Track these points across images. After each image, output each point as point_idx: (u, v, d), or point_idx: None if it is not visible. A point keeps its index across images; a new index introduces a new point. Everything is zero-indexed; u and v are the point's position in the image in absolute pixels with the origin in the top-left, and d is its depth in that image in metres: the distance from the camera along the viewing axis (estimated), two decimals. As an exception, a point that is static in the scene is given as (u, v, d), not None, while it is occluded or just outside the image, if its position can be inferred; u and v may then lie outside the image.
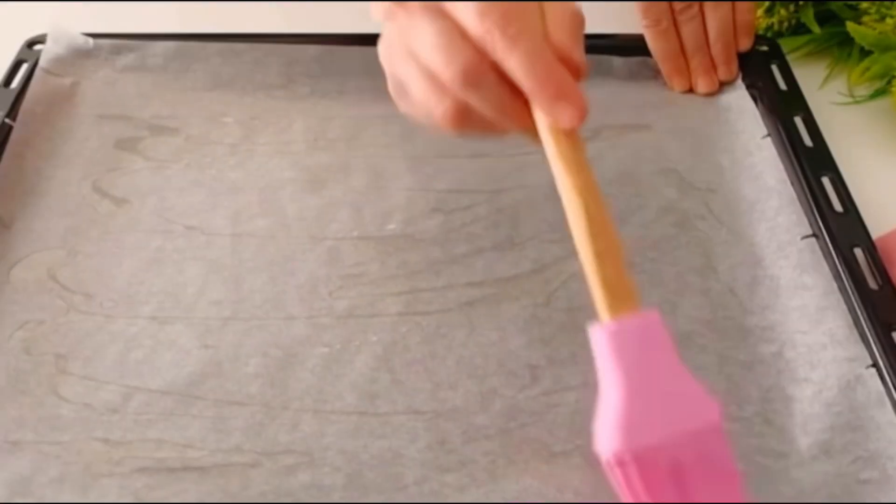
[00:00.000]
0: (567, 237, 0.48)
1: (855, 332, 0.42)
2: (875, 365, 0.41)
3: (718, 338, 0.43)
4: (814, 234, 0.47)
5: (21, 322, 0.44)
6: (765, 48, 0.58)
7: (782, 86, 0.56)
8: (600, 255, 0.35)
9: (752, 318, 0.44)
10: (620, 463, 0.33)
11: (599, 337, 0.35)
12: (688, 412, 0.33)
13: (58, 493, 0.38)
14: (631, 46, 0.58)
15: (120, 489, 0.38)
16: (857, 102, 0.56)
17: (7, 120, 0.53)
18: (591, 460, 0.38)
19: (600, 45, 0.59)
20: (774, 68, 0.57)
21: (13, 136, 0.53)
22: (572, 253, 0.47)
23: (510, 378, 0.42)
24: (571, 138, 0.36)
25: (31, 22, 0.60)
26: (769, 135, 0.52)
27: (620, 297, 0.35)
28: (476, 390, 0.41)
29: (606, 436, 0.34)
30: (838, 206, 0.48)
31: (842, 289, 0.44)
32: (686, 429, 0.33)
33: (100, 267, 0.47)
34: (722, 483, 0.34)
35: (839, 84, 0.58)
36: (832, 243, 0.46)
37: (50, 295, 0.46)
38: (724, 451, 0.34)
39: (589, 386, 0.41)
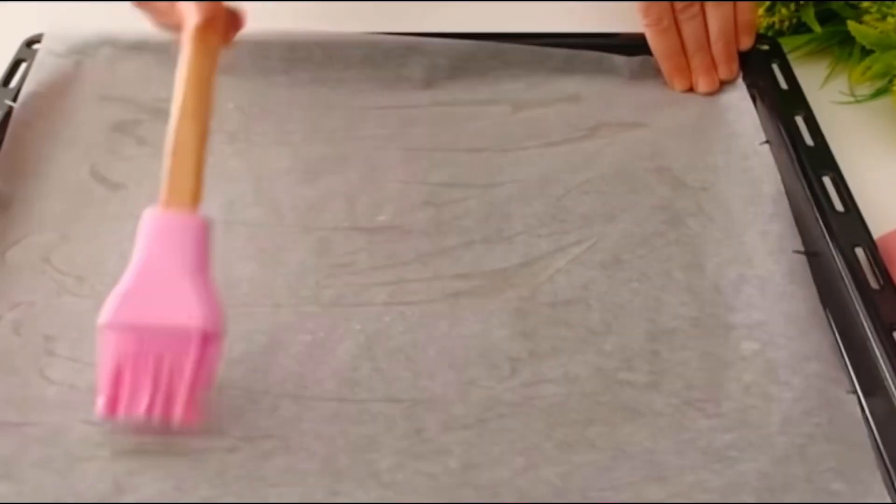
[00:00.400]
0: (556, 231, 0.48)
1: (839, 355, 0.42)
2: (855, 391, 0.40)
3: (702, 334, 0.43)
4: (806, 252, 0.46)
5: (13, 303, 0.45)
6: (766, 47, 0.58)
7: (783, 85, 0.55)
8: (177, 150, 0.41)
9: (737, 316, 0.44)
10: (106, 330, 0.38)
11: (145, 218, 0.40)
12: (176, 311, 0.38)
13: (39, 477, 0.38)
14: (632, 45, 0.58)
15: (99, 473, 0.38)
16: (858, 102, 0.56)
17: (7, 101, 0.54)
18: (566, 453, 0.38)
19: (602, 43, 0.59)
20: (775, 67, 0.56)
21: (14, 114, 0.53)
22: (561, 248, 0.48)
23: (490, 369, 0.42)
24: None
25: (30, 21, 0.61)
26: (768, 141, 0.52)
27: (181, 194, 0.40)
28: (455, 380, 0.41)
29: (107, 305, 0.38)
30: (839, 206, 0.47)
31: (842, 289, 0.43)
32: (167, 324, 0.38)
33: (93, 250, 0.48)
34: (180, 386, 0.38)
35: (840, 83, 0.57)
36: (833, 243, 0.45)
37: (43, 277, 0.46)
38: (195, 362, 0.38)
39: (569, 379, 0.41)
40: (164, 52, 0.58)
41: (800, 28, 0.59)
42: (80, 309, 0.45)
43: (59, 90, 0.56)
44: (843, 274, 0.44)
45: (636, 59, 0.58)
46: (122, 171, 0.52)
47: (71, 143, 0.54)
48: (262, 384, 0.41)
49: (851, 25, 0.54)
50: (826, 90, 0.57)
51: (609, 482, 0.37)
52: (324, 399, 0.41)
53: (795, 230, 0.47)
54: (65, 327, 0.44)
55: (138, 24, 0.61)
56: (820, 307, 0.44)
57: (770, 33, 0.59)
